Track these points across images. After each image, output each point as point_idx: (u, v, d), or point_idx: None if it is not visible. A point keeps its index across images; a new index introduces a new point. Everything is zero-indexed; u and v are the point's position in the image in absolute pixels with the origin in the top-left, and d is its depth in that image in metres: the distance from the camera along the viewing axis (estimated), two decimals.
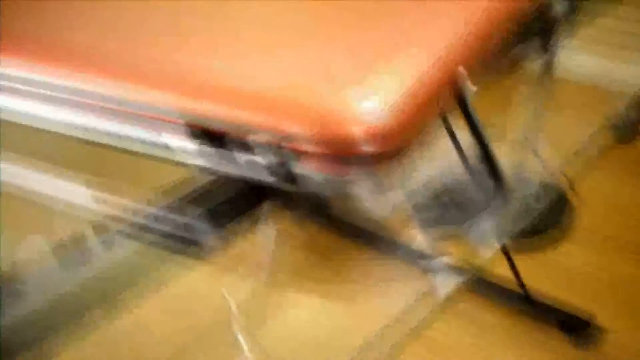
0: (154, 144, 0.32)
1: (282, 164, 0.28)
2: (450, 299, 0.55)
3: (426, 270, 1.18)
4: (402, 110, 0.29)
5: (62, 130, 0.35)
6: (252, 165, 0.29)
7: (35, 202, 0.45)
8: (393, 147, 0.27)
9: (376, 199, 0.28)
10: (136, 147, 0.33)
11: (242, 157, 0.29)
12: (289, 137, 0.28)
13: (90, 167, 0.45)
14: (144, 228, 0.40)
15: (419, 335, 0.55)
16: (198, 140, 0.30)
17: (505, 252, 1.20)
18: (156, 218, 0.40)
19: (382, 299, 1.21)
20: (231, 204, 0.40)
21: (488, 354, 1.15)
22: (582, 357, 1.15)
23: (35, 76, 0.34)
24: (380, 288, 1.24)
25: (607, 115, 0.77)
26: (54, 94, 0.33)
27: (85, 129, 0.33)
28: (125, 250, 0.40)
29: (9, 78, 0.35)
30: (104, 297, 0.39)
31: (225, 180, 0.41)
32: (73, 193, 0.44)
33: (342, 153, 0.27)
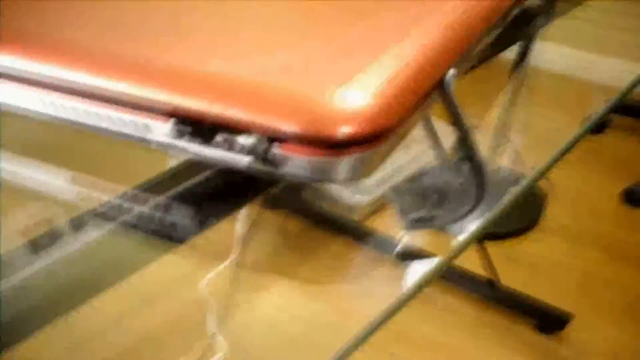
0: (136, 129, 0.31)
1: (262, 148, 0.28)
2: (420, 289, 0.55)
3: (398, 259, 1.18)
4: (385, 93, 0.28)
5: (46, 117, 0.34)
6: (232, 150, 0.28)
7: (8, 188, 0.44)
8: (375, 131, 0.27)
9: (353, 184, 0.27)
10: (112, 130, 0.32)
11: (221, 141, 0.28)
12: (269, 121, 0.27)
13: (70, 157, 0.45)
14: (119, 209, 0.39)
15: (387, 325, 0.55)
16: (178, 126, 0.30)
17: (479, 242, 1.21)
18: (131, 199, 0.39)
19: (353, 287, 1.21)
20: (210, 189, 0.39)
21: (457, 343, 1.16)
22: (548, 344, 1.17)
23: (28, 67, 0.33)
24: (352, 277, 1.24)
25: (581, 107, 0.77)
26: (42, 81, 0.33)
27: (73, 114, 0.33)
28: (98, 233, 0.39)
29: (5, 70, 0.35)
30: (74, 283, 0.38)
31: (203, 167, 0.40)
32: (49, 179, 0.43)
33: (323, 136, 0.27)
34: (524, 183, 0.61)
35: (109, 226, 0.39)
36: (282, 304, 1.19)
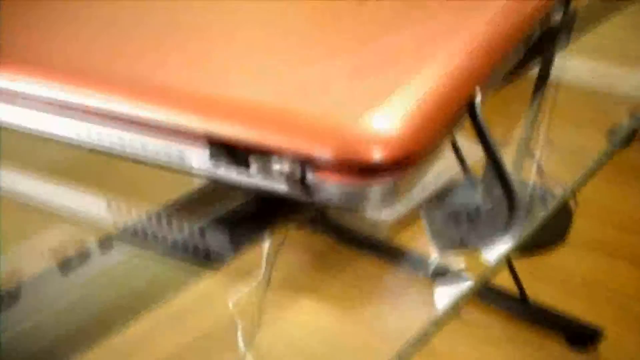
0: (167, 155, 0.32)
1: (298, 174, 0.28)
2: (457, 310, 0.55)
3: (432, 279, 1.18)
4: (416, 117, 0.29)
5: (79, 143, 0.35)
6: (265, 175, 0.29)
7: (39, 211, 0.45)
8: (407, 156, 0.27)
9: (387, 208, 0.28)
10: (146, 157, 0.33)
11: (257, 167, 0.29)
12: (305, 146, 0.28)
13: (98, 178, 0.45)
14: (151, 234, 0.40)
15: (419, 343, 0.55)
16: (213, 152, 0.30)
17: (507, 259, 1.20)
18: (162, 221, 0.40)
19: (382, 307, 1.21)
20: (243, 213, 0.40)
21: (488, 359, 1.15)
22: None
23: (62, 95, 0.34)
24: (381, 296, 1.24)
25: (606, 120, 0.77)
26: (61, 103, 0.34)
27: (99, 139, 0.34)
28: (128, 257, 0.40)
29: (11, 88, 0.35)
30: (106, 307, 0.39)
31: (235, 191, 0.41)
32: (79, 202, 0.44)
33: (358, 161, 0.27)
34: (556, 200, 0.61)
35: (139, 248, 0.39)
36: (311, 323, 1.19)
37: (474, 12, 0.37)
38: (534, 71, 0.76)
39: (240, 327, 1.04)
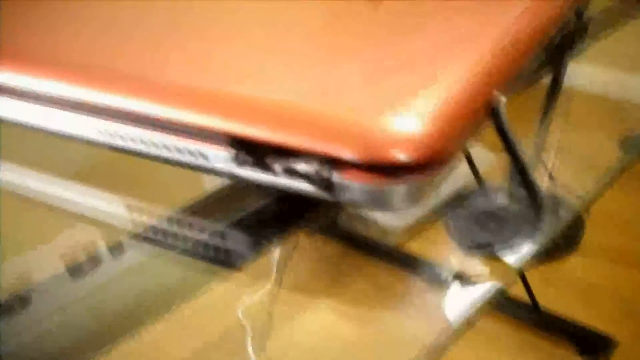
0: (194, 156, 0.32)
1: (324, 174, 0.28)
2: (476, 318, 0.54)
3: (442, 286, 1.17)
4: (441, 119, 0.29)
5: (100, 144, 0.35)
6: (290, 175, 0.29)
7: (54, 215, 0.45)
8: (432, 157, 0.27)
9: (406, 211, 0.28)
10: (171, 157, 0.33)
11: (282, 168, 0.29)
12: (330, 147, 0.28)
13: (115, 178, 0.46)
14: (170, 234, 0.40)
15: (431, 352, 0.55)
16: (238, 153, 0.30)
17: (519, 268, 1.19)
18: (179, 223, 0.40)
19: (394, 314, 1.20)
20: (262, 215, 0.40)
21: None
22: None
23: (85, 96, 0.34)
24: (393, 303, 1.24)
25: (618, 127, 0.77)
26: (97, 109, 0.33)
27: (132, 143, 0.34)
28: (141, 258, 0.40)
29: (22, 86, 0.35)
30: (117, 313, 0.39)
31: (255, 193, 0.41)
32: (100, 204, 0.44)
33: (383, 161, 0.27)
34: (571, 210, 0.61)
35: (154, 251, 0.39)
36: (322, 329, 1.19)
37: (496, 14, 0.37)
38: (546, 78, 0.76)
39: (249, 333, 1.04)
